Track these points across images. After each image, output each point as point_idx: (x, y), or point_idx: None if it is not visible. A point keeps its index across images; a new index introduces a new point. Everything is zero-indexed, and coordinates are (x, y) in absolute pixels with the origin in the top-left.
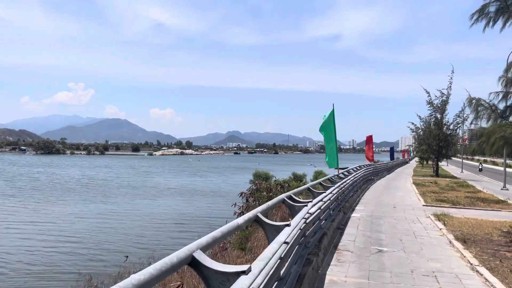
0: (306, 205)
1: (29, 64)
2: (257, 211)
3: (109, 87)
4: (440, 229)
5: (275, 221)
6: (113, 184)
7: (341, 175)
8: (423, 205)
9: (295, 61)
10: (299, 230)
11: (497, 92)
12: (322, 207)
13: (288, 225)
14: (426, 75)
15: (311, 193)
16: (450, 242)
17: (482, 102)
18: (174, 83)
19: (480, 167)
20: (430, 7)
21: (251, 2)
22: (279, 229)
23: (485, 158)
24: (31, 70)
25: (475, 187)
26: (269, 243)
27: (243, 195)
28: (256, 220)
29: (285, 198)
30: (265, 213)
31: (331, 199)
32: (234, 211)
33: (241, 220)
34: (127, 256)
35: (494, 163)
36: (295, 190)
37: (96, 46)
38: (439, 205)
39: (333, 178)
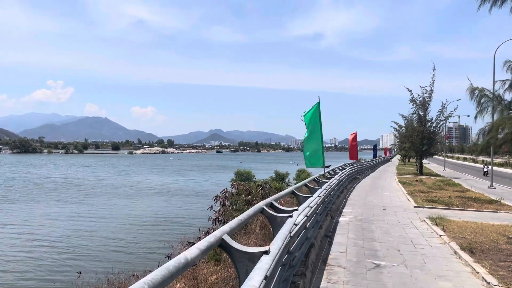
0: (291, 216)
1: (6, 61)
2: (222, 231)
3: (89, 85)
4: (440, 235)
5: (254, 229)
6: (87, 184)
7: (327, 175)
8: (415, 207)
9: (277, 60)
10: (283, 248)
11: (503, 80)
12: (309, 214)
13: (266, 252)
14: (405, 74)
15: (296, 198)
16: (456, 252)
17: (487, 93)
18: (155, 81)
19: (485, 169)
20: (408, 7)
21: (233, 1)
22: (254, 258)
23: (465, 156)
24: (8, 67)
25: (462, 185)
26: (239, 284)
27: (218, 198)
28: (221, 245)
29: (264, 207)
30: (233, 232)
31: (318, 202)
32: (209, 216)
33: (193, 252)
34: (80, 272)
35: (474, 161)
36: (277, 195)
37: (75, 43)
38: (431, 206)
39: (318, 178)
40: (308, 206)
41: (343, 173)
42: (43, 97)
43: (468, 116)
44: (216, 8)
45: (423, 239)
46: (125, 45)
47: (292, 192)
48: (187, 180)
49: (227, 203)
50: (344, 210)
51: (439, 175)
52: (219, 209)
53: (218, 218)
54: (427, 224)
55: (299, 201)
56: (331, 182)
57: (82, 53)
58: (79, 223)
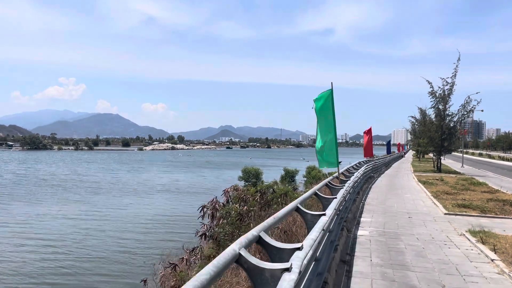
0: (287, 268)
1: (18, 59)
2: None
3: (100, 82)
4: (492, 260)
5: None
6: (81, 180)
7: (341, 177)
8: (445, 214)
9: (287, 55)
10: None
11: None
12: (320, 239)
13: None
14: (417, 69)
15: (302, 218)
16: None
17: None
18: (166, 78)
19: None
20: (419, 1)
21: None
22: None
23: (481, 152)
24: (21, 64)
25: (488, 185)
26: None
27: (204, 210)
28: None
29: (241, 253)
30: None
31: (333, 217)
32: (197, 229)
33: None
34: None
35: (490, 157)
36: (272, 218)
37: (87, 41)
38: (464, 213)
39: (331, 183)
40: (322, 229)
41: (358, 173)
42: (56, 94)
43: (482, 111)
44: (226, 3)
45: (471, 266)
46: (136, 42)
47: (297, 209)
48: (192, 177)
49: (217, 215)
50: (361, 219)
51: (459, 173)
52: (209, 222)
53: (205, 233)
54: (469, 240)
55: (306, 222)
56: (348, 186)
57: (93, 50)
58: (58, 231)
